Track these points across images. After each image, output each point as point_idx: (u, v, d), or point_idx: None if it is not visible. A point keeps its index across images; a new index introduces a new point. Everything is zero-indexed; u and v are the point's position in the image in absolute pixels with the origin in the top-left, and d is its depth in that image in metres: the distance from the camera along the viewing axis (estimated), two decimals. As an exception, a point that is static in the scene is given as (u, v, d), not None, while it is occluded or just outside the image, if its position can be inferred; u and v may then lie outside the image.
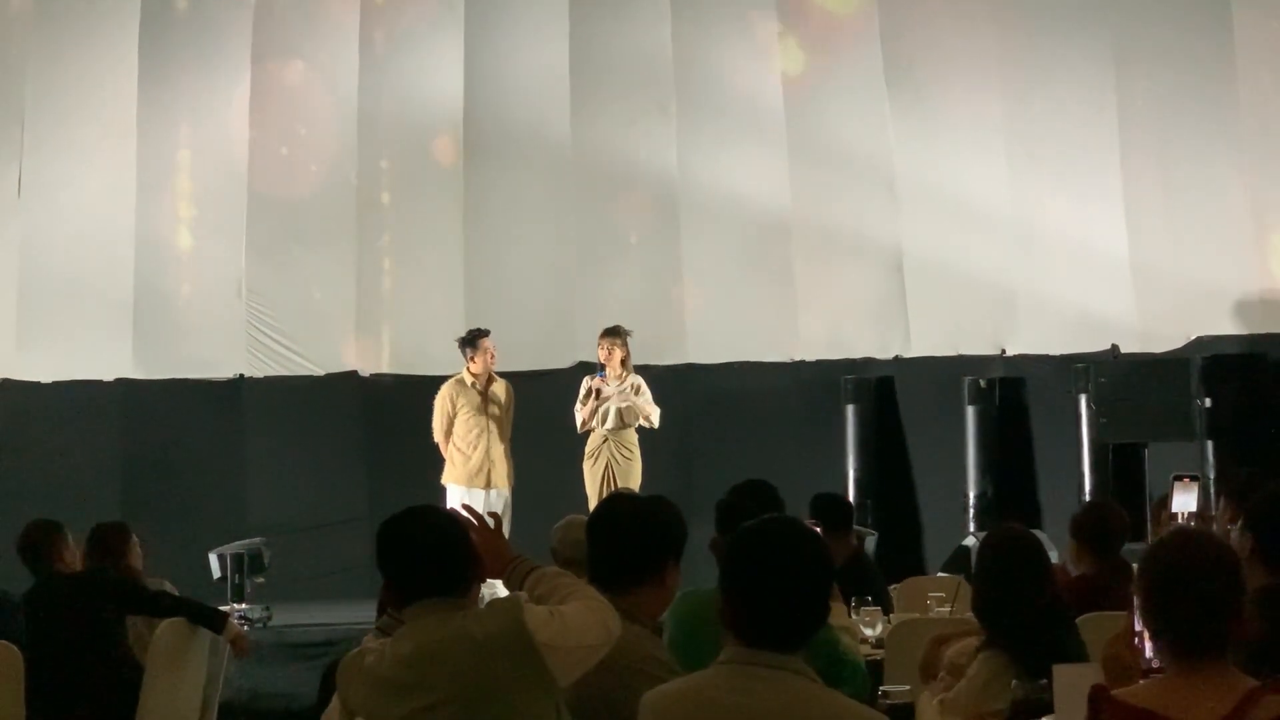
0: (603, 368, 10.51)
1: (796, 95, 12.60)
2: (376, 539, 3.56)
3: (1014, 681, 4.06)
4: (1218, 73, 12.37)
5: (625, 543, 3.81)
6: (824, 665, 3.41)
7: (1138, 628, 3.04)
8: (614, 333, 10.57)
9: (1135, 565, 5.85)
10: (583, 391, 10.58)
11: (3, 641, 6.29)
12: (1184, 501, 5.07)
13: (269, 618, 10.32)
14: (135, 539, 7.07)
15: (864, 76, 12.56)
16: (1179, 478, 7.51)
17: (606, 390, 10.48)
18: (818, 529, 5.66)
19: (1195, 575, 2.74)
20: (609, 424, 10.49)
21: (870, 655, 5.81)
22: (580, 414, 10.53)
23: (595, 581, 3.82)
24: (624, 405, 10.46)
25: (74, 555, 6.80)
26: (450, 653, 3.31)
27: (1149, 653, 3.02)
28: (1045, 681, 3.95)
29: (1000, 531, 4.55)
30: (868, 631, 6.14)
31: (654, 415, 10.56)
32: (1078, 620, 4.82)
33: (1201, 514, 5.27)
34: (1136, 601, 2.93)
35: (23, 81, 12.29)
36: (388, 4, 12.52)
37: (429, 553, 3.46)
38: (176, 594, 6.99)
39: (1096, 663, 3.82)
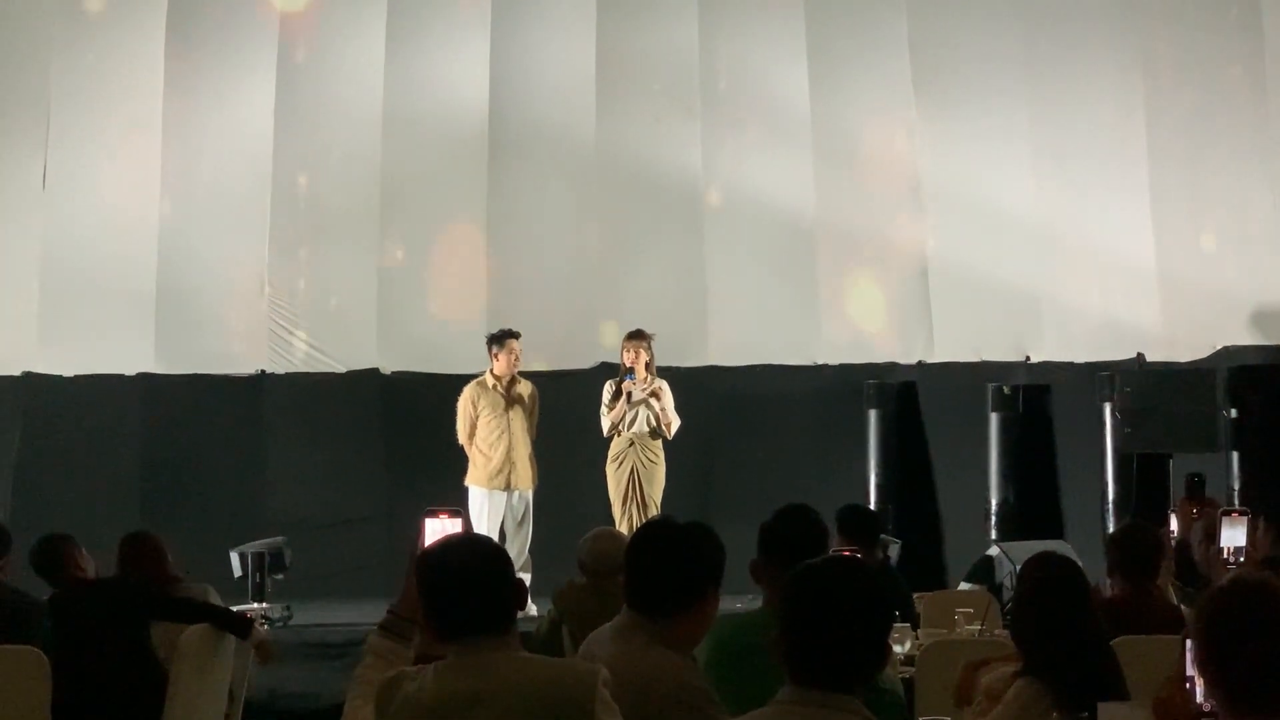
0: (630, 371, 10.47)
1: (823, 98, 12.55)
2: (420, 566, 3.45)
3: (1054, 715, 4.01)
4: (1247, 82, 12.31)
5: (665, 570, 3.75)
6: (865, 696, 3.37)
7: (1189, 672, 3.00)
8: (639, 336, 10.54)
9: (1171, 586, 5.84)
10: (608, 395, 10.54)
11: (28, 647, 6.29)
12: (1232, 536, 5.01)
13: (289, 616, 10.32)
14: (163, 546, 7.06)
15: (891, 81, 12.51)
16: (1194, 476, 7.53)
17: (636, 394, 10.44)
18: (852, 550, 5.63)
19: (1255, 631, 2.70)
20: (636, 428, 10.46)
21: (899, 673, 5.77)
22: (608, 418, 10.50)
23: (634, 608, 3.79)
24: (645, 398, 10.40)
25: (88, 563, 6.79)
26: (506, 700, 3.25)
27: (1200, 697, 2.99)
28: (1086, 715, 3.92)
29: (1040, 558, 4.51)
30: (897, 649, 6.10)
31: (674, 425, 10.52)
32: (1109, 643, 4.78)
33: (1251, 545, 5.21)
34: (1191, 647, 2.90)
35: (48, 74, 12.29)
36: (415, 2, 12.48)
37: (479, 588, 3.31)
38: (212, 600, 6.98)
39: (1143, 702, 3.78)
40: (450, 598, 3.33)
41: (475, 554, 3.42)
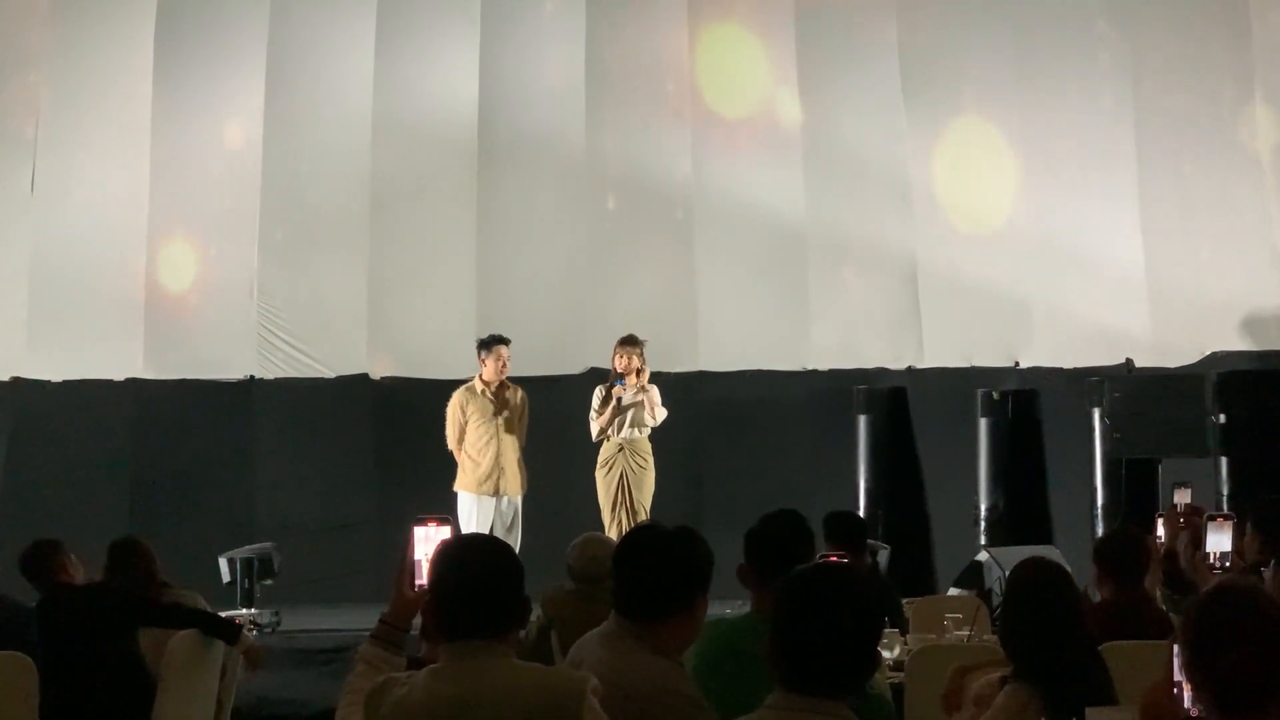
0: (621, 377, 10.46)
1: (813, 105, 12.57)
2: (435, 557, 3.40)
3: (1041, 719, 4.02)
4: (1236, 88, 12.34)
5: (653, 576, 3.76)
6: (853, 701, 3.37)
7: (1177, 676, 3.01)
8: (632, 342, 10.53)
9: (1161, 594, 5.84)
10: (598, 400, 10.54)
11: (15, 653, 6.28)
12: (1217, 541, 5.04)
13: (278, 622, 10.31)
14: (152, 552, 7.05)
15: (880, 87, 12.53)
16: (1179, 484, 7.56)
17: (627, 398, 10.44)
18: (840, 556, 5.63)
19: (1241, 636, 2.71)
20: (625, 433, 10.45)
21: (888, 678, 5.77)
22: (597, 423, 10.50)
23: (622, 613, 3.79)
24: (635, 402, 10.41)
25: (76, 569, 6.79)
26: (495, 707, 3.24)
27: (1188, 702, 2.99)
28: (1075, 720, 3.92)
29: (1030, 563, 4.51)
30: (886, 654, 6.10)
31: (660, 413, 10.47)
32: (1098, 648, 4.78)
33: (1237, 551, 5.23)
34: (1178, 652, 2.90)
35: (37, 79, 12.27)
36: (404, 7, 12.48)
37: (488, 590, 3.31)
38: (197, 606, 6.97)
39: (1132, 707, 3.78)
40: (461, 595, 3.31)
41: (493, 556, 3.42)
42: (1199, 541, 5.28)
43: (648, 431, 10.54)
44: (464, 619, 3.30)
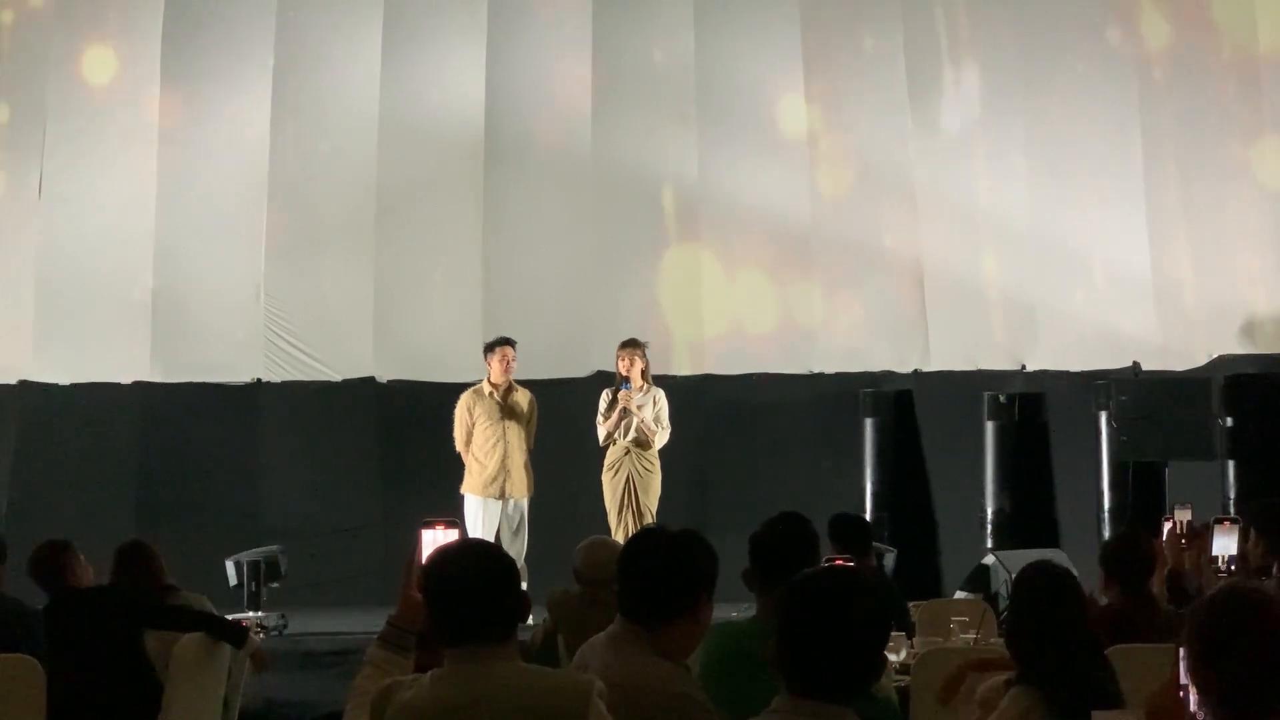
0: (626, 380, 10.46)
1: (818, 108, 12.57)
2: (428, 567, 3.42)
3: (1048, 723, 4.02)
4: (1241, 92, 12.34)
5: (657, 579, 3.75)
6: (859, 705, 3.36)
7: (1182, 679, 3.00)
8: (633, 344, 10.53)
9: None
10: (604, 404, 10.54)
11: (22, 655, 6.29)
12: (1224, 545, 5.03)
13: (284, 625, 10.31)
14: (158, 555, 7.05)
15: (886, 90, 12.53)
16: (1181, 505, 7.59)
17: (633, 405, 10.43)
18: (846, 559, 5.63)
19: (1247, 639, 2.71)
20: (632, 437, 10.46)
21: (894, 682, 5.76)
22: (604, 427, 10.49)
23: (627, 616, 3.79)
24: (635, 411, 10.41)
25: (85, 571, 6.79)
26: (500, 709, 3.25)
27: (1194, 706, 2.99)
28: (1080, 724, 3.91)
29: (1036, 567, 4.51)
30: (891, 657, 6.09)
31: (658, 436, 10.45)
32: (1104, 651, 4.78)
33: (1242, 555, 5.23)
34: (1184, 656, 2.90)
35: (45, 83, 12.29)
36: (410, 11, 12.49)
37: (485, 594, 3.31)
38: (204, 609, 6.97)
39: (1137, 709, 3.78)
40: (456, 601, 3.32)
41: (485, 559, 3.42)
42: (1203, 546, 5.28)
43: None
44: (463, 624, 3.31)
